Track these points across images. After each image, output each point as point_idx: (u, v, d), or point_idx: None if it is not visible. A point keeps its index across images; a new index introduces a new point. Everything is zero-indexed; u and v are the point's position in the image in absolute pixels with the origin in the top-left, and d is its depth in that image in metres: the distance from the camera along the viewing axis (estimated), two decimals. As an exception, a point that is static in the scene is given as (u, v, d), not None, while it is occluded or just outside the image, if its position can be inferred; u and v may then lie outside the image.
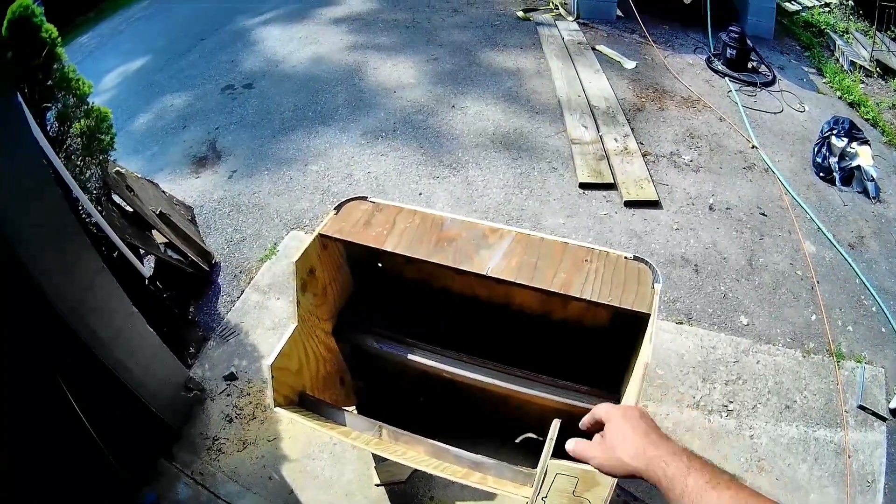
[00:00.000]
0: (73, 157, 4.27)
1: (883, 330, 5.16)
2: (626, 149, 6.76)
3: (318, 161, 6.62)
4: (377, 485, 3.86)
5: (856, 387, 4.68)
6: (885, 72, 9.27)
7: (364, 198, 3.24)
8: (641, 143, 6.95)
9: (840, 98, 8.44)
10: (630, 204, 6.09)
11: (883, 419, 4.50)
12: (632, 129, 7.13)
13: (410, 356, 3.28)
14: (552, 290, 2.81)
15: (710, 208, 6.18)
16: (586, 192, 6.25)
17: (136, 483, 3.86)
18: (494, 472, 2.81)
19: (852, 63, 9.23)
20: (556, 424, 2.59)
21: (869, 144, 6.82)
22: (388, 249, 2.96)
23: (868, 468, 4.21)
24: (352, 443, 2.94)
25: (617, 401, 3.11)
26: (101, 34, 11.19)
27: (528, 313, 3.43)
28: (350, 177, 6.38)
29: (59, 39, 4.12)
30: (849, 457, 4.24)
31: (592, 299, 2.78)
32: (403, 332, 3.40)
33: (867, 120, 7.97)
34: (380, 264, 3.51)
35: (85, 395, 3.29)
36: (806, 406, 4.53)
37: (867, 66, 9.24)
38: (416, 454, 2.89)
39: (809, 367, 4.79)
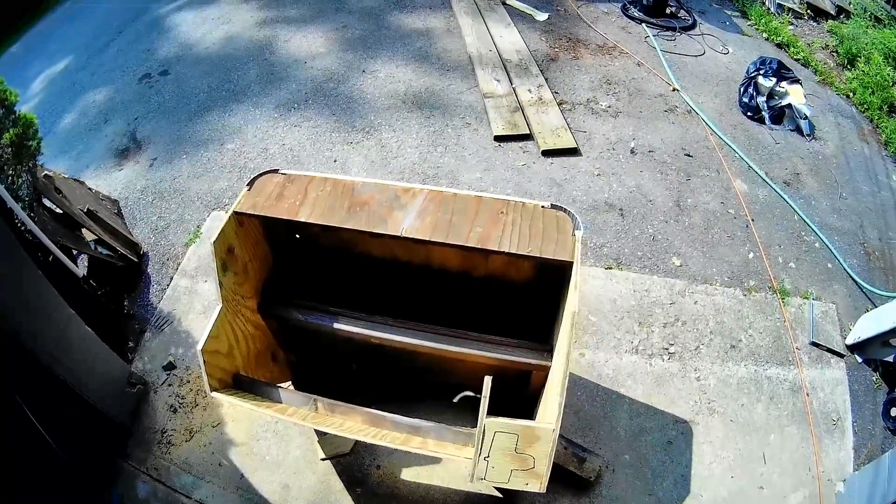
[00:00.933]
0: (4, 167, 4.18)
1: (829, 266, 5.23)
2: (541, 99, 6.74)
3: (233, 139, 6.54)
4: (323, 459, 3.86)
5: (805, 323, 4.74)
6: (817, 14, 9.28)
7: (276, 171, 3.19)
8: (556, 93, 6.93)
9: (767, 40, 8.45)
10: (548, 153, 6.09)
11: (840, 355, 4.57)
12: (546, 80, 7.10)
13: (337, 325, 3.26)
14: (469, 245, 2.79)
15: (632, 152, 6.20)
16: (502, 144, 6.24)
17: (100, 484, 3.87)
18: (434, 435, 2.82)
19: (780, 6, 9.25)
20: (487, 381, 2.58)
21: (800, 83, 6.84)
22: (302, 220, 2.92)
23: (831, 406, 4.28)
24: (289, 419, 2.94)
25: (550, 352, 3.13)
26: (27, 41, 10.96)
27: (450, 271, 3.41)
28: (265, 151, 6.32)
29: None
30: (807, 395, 4.29)
31: (511, 251, 2.77)
32: (328, 301, 3.38)
33: (797, 60, 8.00)
34: (297, 235, 3.46)
35: (34, 405, 3.25)
36: (753, 345, 4.59)
37: (796, 9, 9.27)
38: (354, 424, 2.89)
39: (752, 306, 4.85)
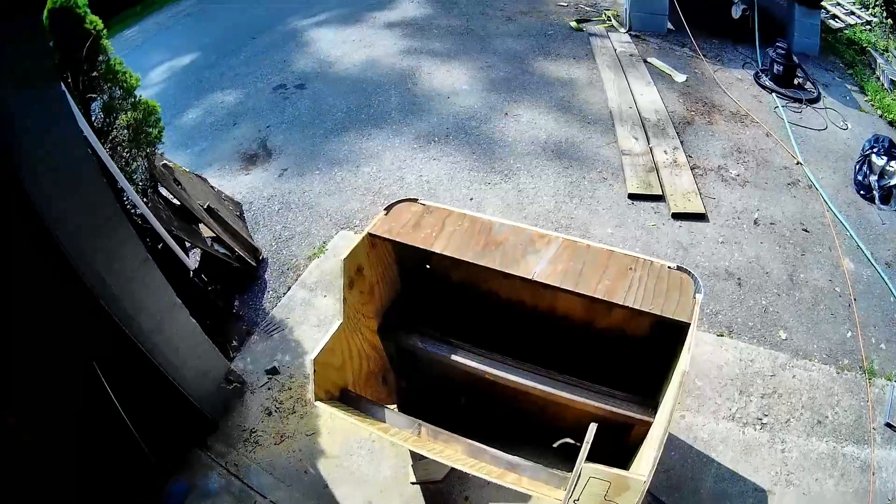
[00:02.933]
0: (119, 148, 4.35)
1: (915, 347, 5.14)
2: (676, 161, 6.78)
3: (370, 163, 6.69)
4: (413, 483, 3.90)
5: (884, 404, 4.67)
6: (925, 90, 9.15)
7: (414, 200, 3.32)
8: (690, 156, 6.96)
9: (881, 116, 8.35)
10: (677, 216, 6.11)
11: None
12: (681, 142, 7.15)
13: (454, 357, 3.34)
14: (596, 296, 2.86)
15: (755, 223, 6.17)
16: (635, 202, 6.28)
17: (166, 471, 3.93)
18: (529, 473, 2.87)
19: (892, 81, 9.12)
20: (592, 428, 2.64)
21: (909, 162, 6.77)
22: (437, 251, 3.02)
23: (890, 486, 4.20)
24: (390, 439, 3.01)
25: (654, 407, 3.16)
26: (146, 29, 11.29)
27: (571, 320, 3.47)
28: (402, 179, 6.45)
29: (105, 31, 4.18)
30: (872, 474, 4.23)
31: (635, 307, 2.82)
32: (448, 333, 3.46)
33: (907, 138, 7.89)
34: (427, 266, 3.57)
35: (123, 384, 3.38)
36: (837, 422, 4.52)
37: (908, 85, 9.14)
38: (454, 453, 2.95)
39: (842, 384, 4.78)
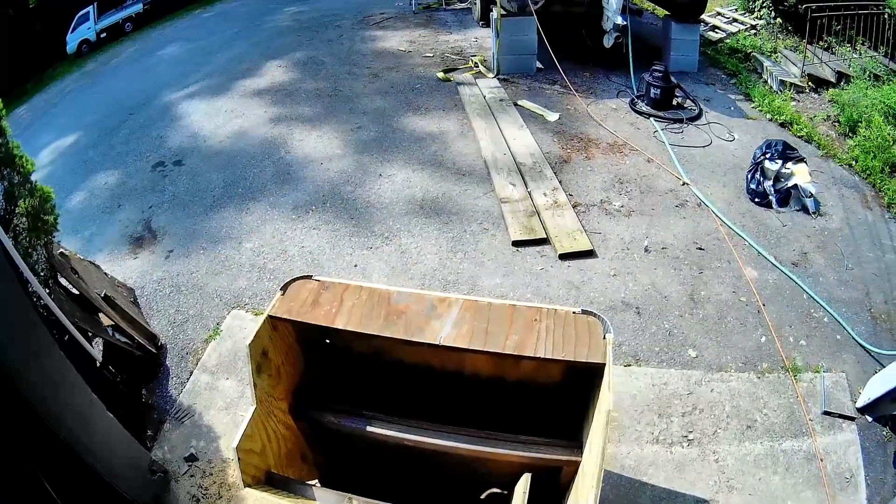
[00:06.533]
0: (19, 237, 4.13)
1: (838, 337, 5.31)
2: (556, 202, 6.84)
3: (251, 238, 6.60)
4: (353, 559, 3.80)
5: (818, 395, 4.79)
6: (818, 84, 9.54)
7: (309, 277, 3.25)
8: (571, 195, 7.05)
9: (771, 120, 8.72)
10: (565, 256, 6.15)
11: (851, 419, 4.61)
12: (560, 182, 7.23)
13: (369, 428, 3.28)
14: (507, 352, 2.84)
15: (646, 250, 6.28)
16: (520, 249, 6.30)
17: None
18: (466, 531, 2.82)
19: (782, 82, 9.50)
20: (526, 478, 2.63)
21: (805, 161, 7.02)
22: (340, 327, 2.97)
23: (844, 466, 4.32)
24: (326, 519, 2.93)
25: (579, 447, 3.16)
26: (35, 107, 11.19)
27: (481, 376, 3.44)
28: (285, 253, 6.36)
29: (4, 112, 4.00)
30: (821, 460, 4.32)
31: (547, 356, 2.82)
32: (361, 405, 3.39)
33: (801, 137, 8.24)
34: (328, 341, 3.50)
35: (58, 486, 3.23)
36: (768, 423, 4.62)
37: (798, 83, 9.49)
38: (390, 523, 2.89)
39: (766, 387, 4.89)
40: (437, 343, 2.87)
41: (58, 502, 3.22)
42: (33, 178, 4.35)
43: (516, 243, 6.31)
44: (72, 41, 16.94)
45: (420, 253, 6.28)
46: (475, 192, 7.17)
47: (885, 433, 4.52)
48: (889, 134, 7.56)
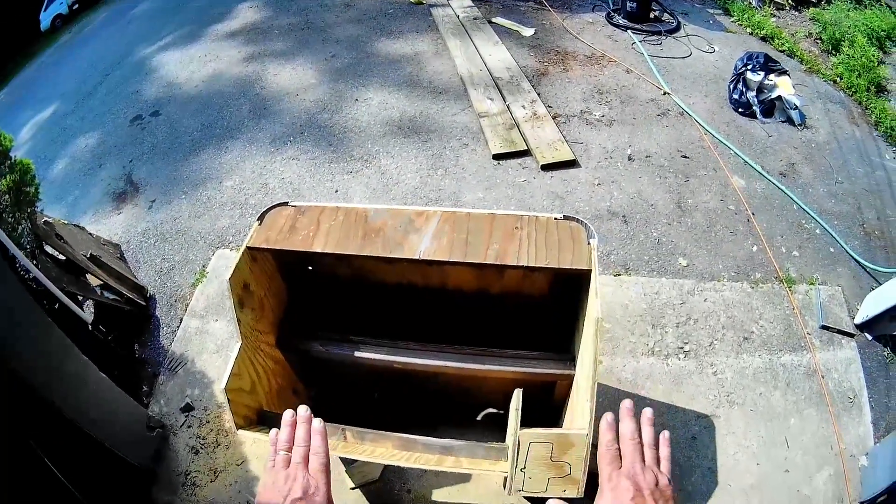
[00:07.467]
0: (3, 214, 4.16)
1: (832, 250, 5.29)
2: (535, 114, 6.80)
3: (231, 176, 6.55)
4: (352, 488, 3.81)
5: (814, 308, 4.78)
6: (799, 3, 9.39)
7: (285, 203, 3.18)
8: (550, 107, 7.00)
9: (751, 34, 8.59)
10: (547, 167, 6.12)
11: (850, 335, 4.61)
12: (538, 95, 7.18)
13: (358, 353, 3.23)
14: (488, 262, 2.78)
15: (629, 159, 6.25)
16: (501, 162, 6.28)
17: None
18: (466, 453, 2.78)
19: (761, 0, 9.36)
20: (518, 394, 2.59)
21: (787, 74, 6.95)
22: (318, 251, 2.90)
23: (846, 385, 4.31)
24: (319, 451, 2.89)
25: (572, 360, 3.12)
26: (13, 88, 11.11)
27: (466, 291, 3.40)
28: (265, 186, 6.33)
29: None
30: (822, 377, 4.32)
31: (531, 264, 2.76)
32: (347, 330, 3.35)
33: (783, 51, 8.13)
34: (310, 267, 3.44)
35: (58, 455, 3.21)
36: (765, 335, 4.61)
37: (778, 0, 9.37)
38: (385, 451, 2.85)
39: (760, 297, 4.87)
40: (416, 258, 2.81)
41: (60, 478, 3.21)
42: (13, 154, 4.38)
43: (497, 156, 6.29)
44: (45, 19, 16.75)
45: (400, 173, 6.25)
46: (453, 109, 7.12)
47: (886, 354, 4.50)
48: (873, 55, 7.49)
